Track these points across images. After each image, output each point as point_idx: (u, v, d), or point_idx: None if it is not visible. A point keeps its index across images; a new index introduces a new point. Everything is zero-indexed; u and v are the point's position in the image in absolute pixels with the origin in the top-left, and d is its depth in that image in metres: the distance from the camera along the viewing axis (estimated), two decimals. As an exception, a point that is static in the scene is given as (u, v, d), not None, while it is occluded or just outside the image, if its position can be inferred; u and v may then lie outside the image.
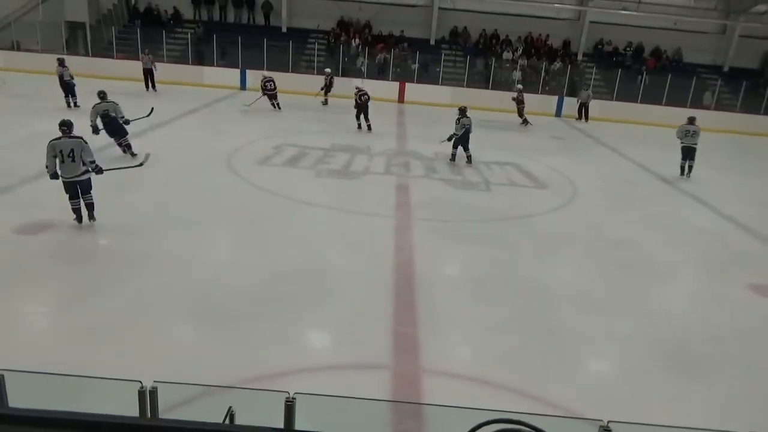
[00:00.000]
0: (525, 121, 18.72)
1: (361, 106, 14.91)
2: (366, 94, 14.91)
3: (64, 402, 1.46)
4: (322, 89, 19.33)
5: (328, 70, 19.97)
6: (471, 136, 12.16)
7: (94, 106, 10.24)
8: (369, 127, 15.06)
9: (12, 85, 17.76)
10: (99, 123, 10.18)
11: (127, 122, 10.40)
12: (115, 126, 10.36)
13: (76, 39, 24.07)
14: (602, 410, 4.08)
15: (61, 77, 15.03)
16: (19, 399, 1.82)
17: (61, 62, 15.16)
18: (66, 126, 6.83)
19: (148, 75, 19.21)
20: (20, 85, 18.06)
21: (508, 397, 4.24)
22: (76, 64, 20.99)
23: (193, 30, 24.10)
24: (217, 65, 22.52)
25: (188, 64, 22.43)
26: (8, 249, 6.24)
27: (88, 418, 1.32)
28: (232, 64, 22.34)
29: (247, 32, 23.79)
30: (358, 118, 15.15)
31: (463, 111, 12.10)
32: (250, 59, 22.30)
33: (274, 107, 17.21)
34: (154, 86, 19.25)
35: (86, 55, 22.93)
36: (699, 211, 10.23)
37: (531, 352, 5.00)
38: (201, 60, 22.97)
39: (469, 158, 12.22)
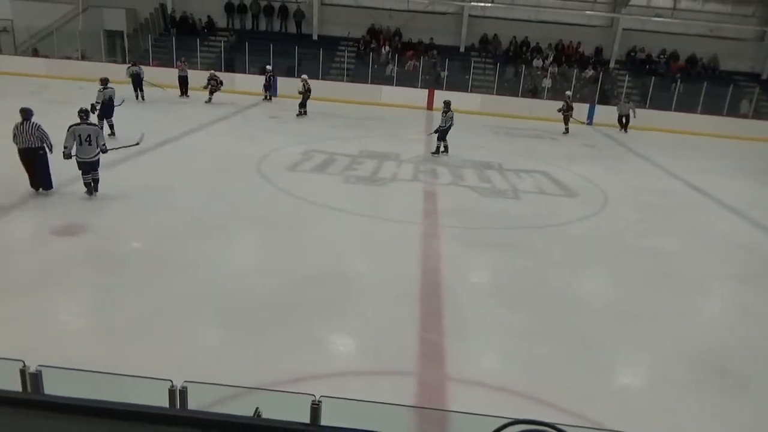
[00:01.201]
0: (566, 130, 18.60)
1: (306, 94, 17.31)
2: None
3: (96, 397, 1.51)
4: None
5: (269, 66, 21.09)
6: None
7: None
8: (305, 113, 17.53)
9: (54, 91, 18.30)
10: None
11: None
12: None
13: (114, 47, 24.78)
14: (630, 423, 4.02)
15: (137, 75, 18.15)
16: (54, 393, 1.88)
17: (134, 63, 18.75)
18: (84, 113, 8.08)
19: (183, 82, 19.65)
20: (62, 91, 18.61)
21: (534, 406, 4.20)
22: (113, 71, 21.70)
23: (226, 38, 24.55)
24: (249, 72, 22.88)
25: (221, 71, 22.84)
26: (45, 250, 6.45)
27: (120, 407, 1.37)
28: (263, 72, 22.66)
29: (278, 40, 24.15)
30: (303, 105, 17.39)
31: (448, 104, 12.90)
32: (281, 67, 22.64)
33: (209, 101, 18.55)
34: (187, 93, 19.68)
35: (123, 62, 23.56)
36: (733, 221, 9.97)
37: (558, 362, 4.94)
38: (233, 67, 23.37)
39: (446, 148, 13.07)
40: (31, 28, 23.69)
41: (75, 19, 24.38)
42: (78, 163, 8.06)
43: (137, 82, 18.06)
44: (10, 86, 18.57)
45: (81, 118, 8.01)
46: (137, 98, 17.95)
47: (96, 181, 8.31)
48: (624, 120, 19.76)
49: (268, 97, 20.78)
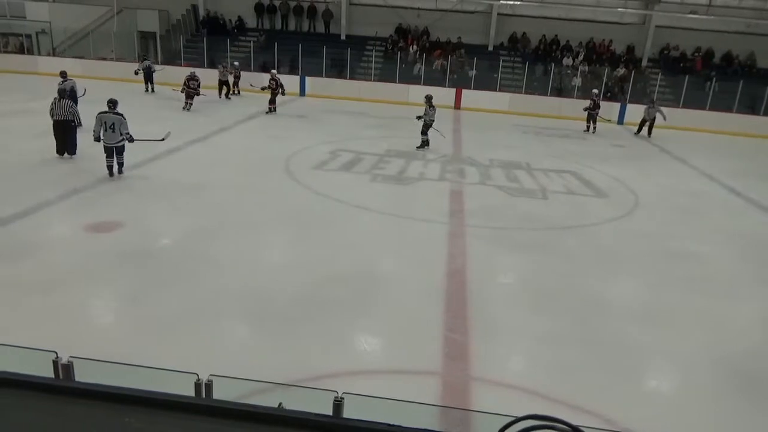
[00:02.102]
0: (593, 129, 18.32)
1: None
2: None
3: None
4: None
5: (236, 63, 20.97)
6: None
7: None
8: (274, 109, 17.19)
9: (89, 91, 18.75)
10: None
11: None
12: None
13: (147, 48, 25.30)
14: (659, 430, 3.93)
15: (148, 68, 19.40)
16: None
17: (145, 57, 20.29)
18: (112, 103, 8.96)
19: (223, 85, 19.61)
20: (98, 91, 19.05)
21: (561, 410, 4.14)
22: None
23: (256, 38, 24.83)
24: (278, 72, 23.05)
25: (251, 71, 23.10)
26: (79, 246, 6.62)
27: (147, 395, 1.40)
28: (292, 71, 22.88)
29: (307, 40, 24.33)
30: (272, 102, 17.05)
31: (430, 98, 13.04)
32: (309, 66, 22.81)
33: (186, 107, 16.29)
34: (227, 95, 19.76)
35: (156, 62, 24.05)
36: (771, 224, 9.69)
37: (586, 366, 4.87)
38: (263, 67, 23.62)
39: (427, 143, 13.40)
40: (67, 29, 24.34)
41: (110, 20, 24.98)
42: (104, 147, 9.01)
43: (148, 75, 19.40)
44: (49, 86, 19.09)
45: (108, 107, 8.95)
46: (147, 90, 19.32)
47: (120, 164, 9.27)
48: (649, 124, 18.25)
49: (236, 92, 20.22)
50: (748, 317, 6.25)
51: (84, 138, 9.95)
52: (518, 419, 1.27)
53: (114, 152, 9.07)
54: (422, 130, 13.31)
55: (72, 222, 7.37)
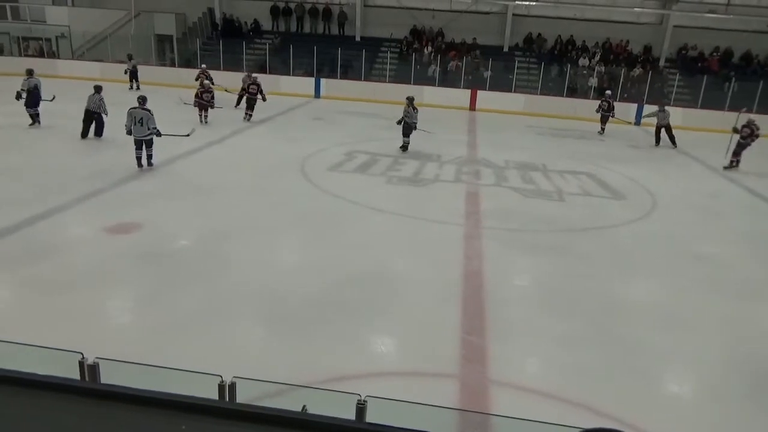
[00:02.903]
0: (602, 130, 18.11)
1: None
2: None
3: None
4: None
5: (203, 65, 19.85)
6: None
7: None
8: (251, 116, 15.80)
9: (108, 94, 18.99)
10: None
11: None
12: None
13: (164, 51, 25.57)
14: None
15: (134, 68, 20.59)
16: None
17: (130, 57, 20.71)
18: (141, 100, 9.80)
19: (244, 93, 19.09)
20: (116, 93, 19.29)
21: (579, 412, 4.12)
22: (163, 74, 22.52)
23: (271, 41, 24.98)
24: (293, 74, 23.20)
25: (266, 73, 23.24)
26: (98, 247, 6.71)
27: (173, 398, 1.42)
28: (307, 73, 22.98)
29: (322, 42, 24.41)
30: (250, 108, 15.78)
31: (412, 100, 12.84)
32: (324, 68, 22.91)
33: (202, 120, 14.91)
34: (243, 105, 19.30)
35: (173, 65, 24.31)
36: (793, 226, 9.54)
37: (604, 369, 4.83)
38: (278, 69, 23.77)
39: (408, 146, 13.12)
40: (86, 33, 24.68)
41: (128, 24, 25.28)
42: (134, 140, 9.78)
43: (134, 74, 20.57)
44: (69, 88, 19.36)
45: (138, 103, 9.78)
46: (131, 88, 20.15)
47: (149, 156, 10.01)
48: (667, 132, 16.40)
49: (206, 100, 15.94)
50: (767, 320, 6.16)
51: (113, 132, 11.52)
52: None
53: (143, 145, 9.84)
54: (404, 131, 13.01)
55: (91, 223, 7.46)
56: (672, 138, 16.45)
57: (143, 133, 9.70)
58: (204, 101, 15.02)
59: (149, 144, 9.90)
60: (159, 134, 9.92)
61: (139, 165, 9.89)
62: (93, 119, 11.92)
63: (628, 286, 6.71)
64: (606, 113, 17.99)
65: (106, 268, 6.13)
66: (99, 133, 12.07)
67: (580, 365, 4.84)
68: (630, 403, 4.34)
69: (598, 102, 18.63)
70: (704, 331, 5.65)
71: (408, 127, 12.97)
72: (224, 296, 5.63)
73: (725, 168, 13.41)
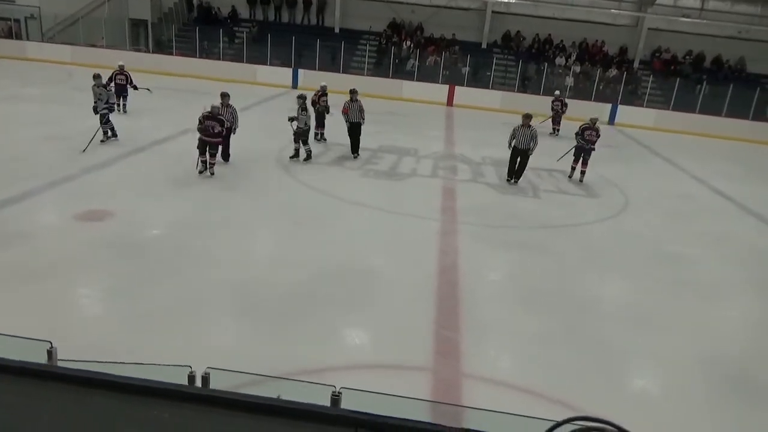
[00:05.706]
0: (555, 131, 17.42)
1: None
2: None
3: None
4: None
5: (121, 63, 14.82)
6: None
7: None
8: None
9: (78, 78, 18.57)
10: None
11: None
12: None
13: (138, 36, 25.01)
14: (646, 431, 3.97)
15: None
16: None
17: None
18: (98, 77, 10.76)
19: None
20: (87, 78, 18.84)
21: (549, 406, 4.17)
22: (137, 60, 21.92)
23: (249, 29, 24.65)
24: (271, 64, 22.93)
25: (243, 62, 22.93)
26: (68, 235, 6.55)
27: (140, 383, 1.38)
28: (284, 64, 22.74)
29: (300, 32, 24.19)
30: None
31: (304, 99, 10.60)
32: (302, 59, 22.68)
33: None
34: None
35: (147, 51, 23.80)
36: (758, 228, 9.81)
37: (574, 365, 4.90)
38: (255, 59, 23.46)
39: (299, 153, 10.86)
40: (57, 15, 23.99)
41: (101, 7, 24.65)
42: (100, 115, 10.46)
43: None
44: (39, 73, 18.85)
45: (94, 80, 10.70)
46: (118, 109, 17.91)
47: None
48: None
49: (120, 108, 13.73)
50: (735, 319, 6.33)
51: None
52: (568, 420, 1.26)
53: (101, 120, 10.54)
54: (294, 137, 10.67)
55: (61, 210, 7.28)
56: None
57: (100, 107, 10.45)
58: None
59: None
60: (112, 109, 10.69)
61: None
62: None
63: (599, 283, 6.83)
64: (560, 111, 17.46)
65: (75, 256, 5.99)
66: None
67: (552, 360, 4.91)
68: (598, 399, 4.42)
69: (575, 101, 18.73)
70: (673, 329, 5.77)
71: (297, 133, 10.56)
72: (198, 289, 5.55)
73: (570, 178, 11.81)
